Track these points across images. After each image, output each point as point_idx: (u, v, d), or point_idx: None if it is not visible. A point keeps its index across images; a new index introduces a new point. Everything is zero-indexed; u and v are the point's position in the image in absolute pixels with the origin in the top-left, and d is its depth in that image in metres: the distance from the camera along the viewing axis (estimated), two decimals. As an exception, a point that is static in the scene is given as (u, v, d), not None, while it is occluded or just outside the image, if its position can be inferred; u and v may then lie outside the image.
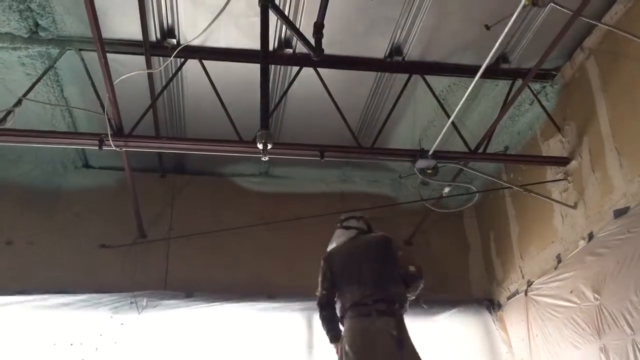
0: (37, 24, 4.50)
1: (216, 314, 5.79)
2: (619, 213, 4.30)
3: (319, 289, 4.42)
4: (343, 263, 4.33)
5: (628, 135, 4.30)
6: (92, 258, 5.92)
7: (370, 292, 4.05)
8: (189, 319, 5.72)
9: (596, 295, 4.43)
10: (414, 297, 4.29)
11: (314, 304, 5.86)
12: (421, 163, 4.77)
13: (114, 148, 4.43)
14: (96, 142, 4.44)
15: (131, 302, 5.58)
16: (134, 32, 4.51)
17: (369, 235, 4.47)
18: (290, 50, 4.82)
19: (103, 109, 4.40)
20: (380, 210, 6.38)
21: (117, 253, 5.95)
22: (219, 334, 5.75)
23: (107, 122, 4.32)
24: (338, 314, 4.21)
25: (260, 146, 3.48)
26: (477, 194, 5.87)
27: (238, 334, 5.79)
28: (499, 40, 3.63)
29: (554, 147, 5.26)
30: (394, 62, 4.98)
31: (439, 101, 5.13)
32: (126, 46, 4.67)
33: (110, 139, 4.35)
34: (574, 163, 4.95)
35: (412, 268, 4.22)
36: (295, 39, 4.63)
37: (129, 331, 5.54)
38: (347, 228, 4.61)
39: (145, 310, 5.61)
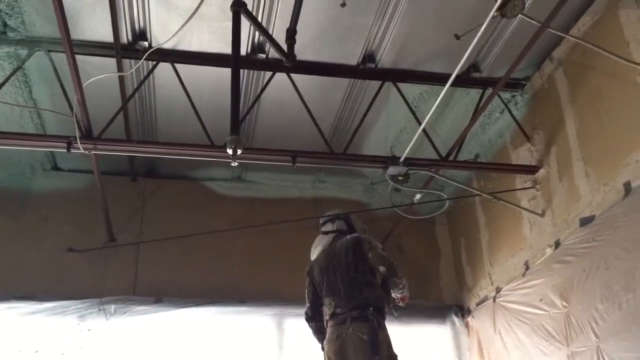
0: (5, 25, 4.43)
1: (186, 319, 5.75)
2: (585, 221, 4.38)
3: (306, 303, 4.56)
4: (321, 274, 4.42)
5: (594, 145, 4.39)
6: (60, 262, 5.82)
7: (344, 301, 4.13)
8: (159, 325, 5.67)
9: (564, 303, 4.50)
10: (401, 292, 4.36)
11: (285, 309, 5.95)
12: (392, 170, 4.80)
13: (83, 151, 4.37)
14: (64, 144, 4.36)
15: (99, 309, 5.51)
16: (105, 34, 4.47)
17: (342, 241, 4.49)
18: (264, 56, 4.82)
19: (72, 111, 4.34)
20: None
21: (85, 257, 5.86)
22: (189, 339, 5.72)
23: (76, 125, 4.26)
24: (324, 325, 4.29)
25: (230, 151, 3.47)
26: (448, 200, 5.93)
27: (208, 339, 5.76)
28: (469, 50, 3.68)
29: (523, 155, 5.34)
30: (367, 69, 5.01)
31: (410, 108, 5.17)
32: (97, 48, 4.62)
33: (78, 142, 4.28)
34: (542, 172, 5.03)
35: (382, 269, 4.26)
36: (268, 44, 4.63)
37: (97, 337, 5.46)
38: (325, 233, 4.70)
39: (113, 317, 5.54)
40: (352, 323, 4.02)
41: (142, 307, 5.67)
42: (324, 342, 4.22)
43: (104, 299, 5.57)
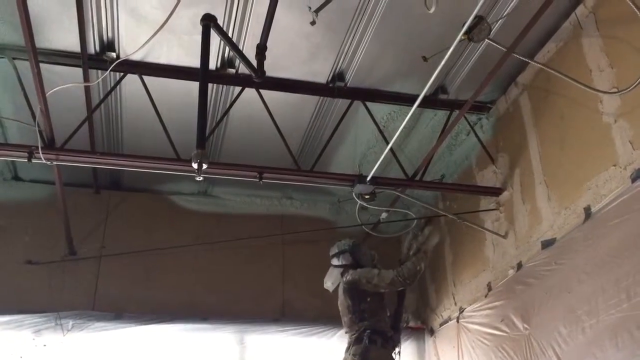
0: (-32, 31, 4.34)
1: (146, 336, 5.63)
2: (547, 244, 4.44)
3: None
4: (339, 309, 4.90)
5: (556, 169, 4.47)
6: (17, 274, 5.68)
7: (348, 330, 4.71)
8: (118, 341, 5.55)
9: (525, 325, 4.52)
10: (410, 281, 4.68)
11: (247, 326, 5.88)
12: (359, 188, 4.82)
13: (44, 161, 4.28)
14: (25, 154, 4.27)
15: (56, 324, 5.36)
16: (72, 43, 4.41)
17: (343, 283, 4.82)
18: (233, 71, 4.81)
19: (34, 120, 4.25)
20: (318, 234, 6.41)
21: (43, 270, 5.72)
22: (149, 356, 5.60)
23: (38, 134, 4.18)
24: None
25: (195, 165, 3.44)
26: (414, 220, 5.97)
27: (169, 357, 5.65)
28: (436, 72, 3.73)
29: (488, 177, 5.41)
30: (336, 88, 5.03)
31: (378, 128, 5.21)
32: (63, 57, 4.55)
33: (40, 152, 4.20)
34: (505, 194, 5.10)
35: (382, 290, 4.72)
36: (238, 59, 4.62)
37: (53, 353, 5.32)
38: (334, 266, 5.01)
39: (70, 332, 5.39)
40: (352, 346, 4.55)
41: (101, 323, 5.54)
42: None
43: (61, 314, 5.43)
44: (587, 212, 4.05)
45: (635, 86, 3.48)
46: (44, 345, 5.31)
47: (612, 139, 3.88)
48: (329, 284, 5.01)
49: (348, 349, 4.61)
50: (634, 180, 3.65)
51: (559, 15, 4.41)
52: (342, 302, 4.81)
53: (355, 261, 4.91)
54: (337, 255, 4.97)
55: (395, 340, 4.76)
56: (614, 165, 3.85)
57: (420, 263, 4.72)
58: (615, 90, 3.84)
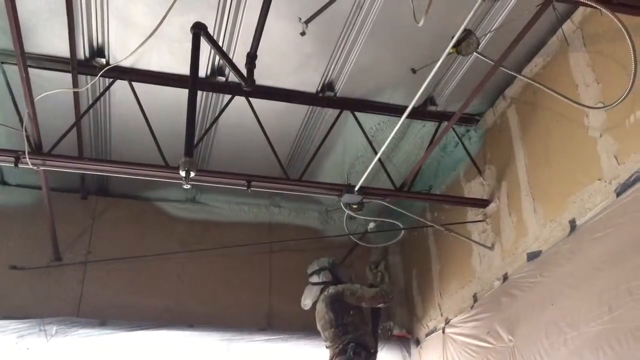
0: (-44, 35, 4.32)
1: (132, 343, 5.58)
2: (532, 256, 4.48)
3: None
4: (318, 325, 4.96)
5: (542, 181, 4.51)
6: (1, 280, 5.62)
7: (331, 344, 4.76)
8: (102, 348, 5.49)
9: (510, 337, 4.55)
10: (392, 297, 4.97)
11: (234, 334, 5.85)
12: (347, 198, 4.83)
13: (31, 166, 4.25)
14: (12, 158, 4.24)
15: (40, 330, 5.30)
16: (62, 49, 4.38)
17: (324, 297, 4.89)
18: (223, 79, 4.81)
19: (22, 124, 4.23)
20: (306, 243, 6.41)
21: (29, 275, 5.68)
22: (135, 364, 5.56)
23: (25, 139, 4.16)
24: None
25: (182, 173, 3.43)
26: (402, 230, 5.98)
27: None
28: (425, 84, 3.76)
29: (475, 189, 5.45)
30: (326, 97, 5.05)
31: (367, 138, 5.23)
32: (53, 62, 4.53)
33: (27, 157, 4.18)
34: (492, 205, 5.13)
35: (364, 304, 4.86)
36: (228, 67, 4.63)
37: (36, 358, 5.25)
38: (313, 284, 5.08)
39: (54, 338, 5.34)
40: (335, 358, 4.62)
41: (86, 330, 5.49)
42: None
43: (45, 320, 5.37)
44: (572, 225, 4.09)
45: (621, 101, 3.52)
46: (27, 349, 5.24)
47: (598, 154, 3.93)
48: (307, 301, 5.07)
49: (332, 358, 4.67)
50: (618, 194, 3.70)
51: (547, 30, 4.46)
52: (322, 316, 4.84)
53: (336, 278, 5.02)
54: (317, 272, 5.08)
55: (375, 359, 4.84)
56: (599, 179, 3.89)
57: (392, 287, 5.08)
58: (601, 105, 3.89)
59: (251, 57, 3.94)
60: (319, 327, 4.95)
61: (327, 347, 4.84)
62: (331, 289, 4.89)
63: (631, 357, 3.33)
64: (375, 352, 4.88)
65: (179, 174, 3.51)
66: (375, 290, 4.85)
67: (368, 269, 5.34)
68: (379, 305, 5.01)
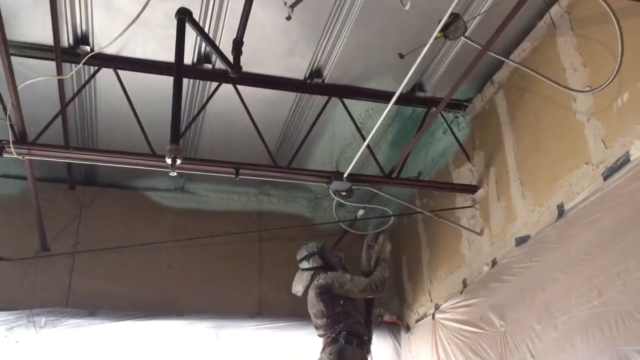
0: (-63, 23, 4.24)
1: (121, 333, 5.57)
2: (521, 241, 4.49)
3: None
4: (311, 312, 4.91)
5: (531, 167, 4.52)
6: (-12, 271, 5.57)
7: (323, 333, 4.75)
8: (92, 338, 5.48)
9: (501, 322, 4.55)
10: (382, 289, 4.83)
11: (223, 322, 5.85)
12: (336, 185, 4.82)
13: (16, 156, 4.21)
14: (-5, 148, 4.20)
15: (28, 321, 5.27)
16: (45, 36, 4.32)
17: (314, 286, 4.81)
18: (210, 66, 4.77)
19: (6, 113, 4.17)
20: (296, 230, 6.40)
21: (16, 266, 5.63)
22: (124, 354, 5.54)
23: (9, 128, 4.11)
24: None
25: (169, 161, 3.40)
26: (392, 217, 5.98)
27: (144, 354, 5.60)
28: (412, 69, 3.73)
29: (464, 175, 5.45)
30: (314, 84, 5.02)
31: (356, 124, 5.20)
32: (36, 50, 4.47)
33: (11, 146, 4.13)
34: (481, 191, 5.14)
35: (352, 296, 4.76)
36: (214, 54, 4.58)
37: (25, 350, 5.23)
38: (303, 270, 5.02)
39: (43, 329, 5.31)
40: (328, 346, 4.60)
41: (75, 320, 5.47)
42: None
43: (34, 311, 5.35)
44: (560, 209, 4.10)
45: (608, 85, 3.52)
46: (16, 342, 5.22)
47: (585, 137, 3.94)
48: (299, 287, 5.01)
49: (324, 349, 4.66)
50: (605, 178, 3.70)
51: (534, 14, 4.45)
52: (314, 306, 4.81)
53: (325, 263, 4.95)
54: (306, 258, 5.01)
55: (369, 346, 4.82)
56: (587, 163, 3.90)
57: (385, 271, 4.89)
58: (589, 88, 3.89)
59: (237, 43, 3.90)
60: (311, 315, 4.93)
61: (319, 336, 4.83)
62: (321, 280, 4.82)
63: (621, 340, 3.35)
64: (370, 338, 4.85)
65: (165, 161, 3.48)
66: (365, 283, 4.77)
67: (364, 251, 5.20)
68: (369, 297, 4.95)
